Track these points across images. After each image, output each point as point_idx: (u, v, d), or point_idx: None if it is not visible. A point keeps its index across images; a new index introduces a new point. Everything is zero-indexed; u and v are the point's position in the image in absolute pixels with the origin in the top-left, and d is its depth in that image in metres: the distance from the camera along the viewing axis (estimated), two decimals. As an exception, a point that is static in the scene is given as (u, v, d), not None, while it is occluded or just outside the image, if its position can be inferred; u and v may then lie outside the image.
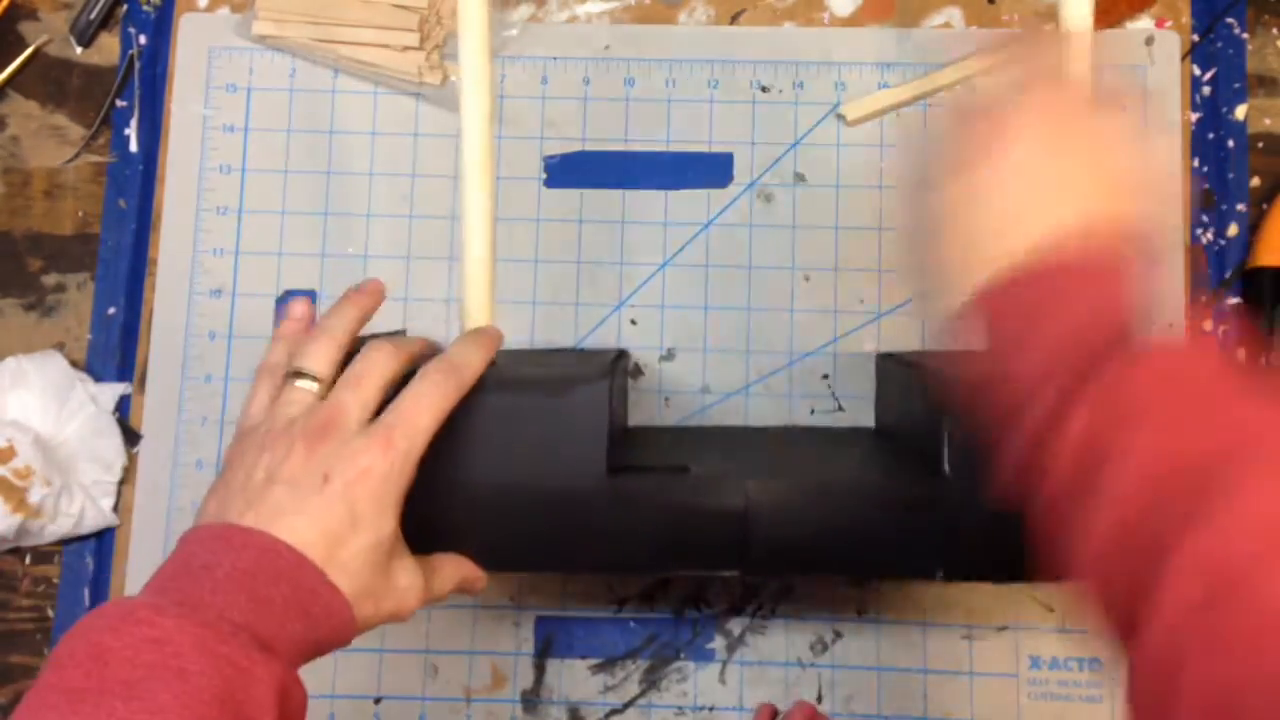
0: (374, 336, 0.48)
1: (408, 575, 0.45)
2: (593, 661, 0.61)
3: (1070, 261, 0.39)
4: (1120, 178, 0.41)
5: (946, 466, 0.47)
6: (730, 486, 0.47)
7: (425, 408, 0.44)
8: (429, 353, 0.49)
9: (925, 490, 0.47)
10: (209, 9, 0.68)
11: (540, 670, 0.61)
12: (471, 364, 0.47)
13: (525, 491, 0.47)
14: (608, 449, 0.47)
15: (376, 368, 0.45)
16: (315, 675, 0.61)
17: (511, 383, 0.48)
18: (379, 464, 0.43)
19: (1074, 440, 0.36)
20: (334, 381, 0.46)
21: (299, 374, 0.46)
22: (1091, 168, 0.40)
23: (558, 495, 0.47)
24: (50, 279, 0.66)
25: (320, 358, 0.46)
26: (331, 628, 0.42)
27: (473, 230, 0.51)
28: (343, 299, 0.49)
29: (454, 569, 0.48)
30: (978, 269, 0.40)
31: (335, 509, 0.42)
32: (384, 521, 0.43)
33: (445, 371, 0.46)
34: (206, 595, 0.39)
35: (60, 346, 0.65)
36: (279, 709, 0.39)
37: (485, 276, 0.51)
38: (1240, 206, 0.64)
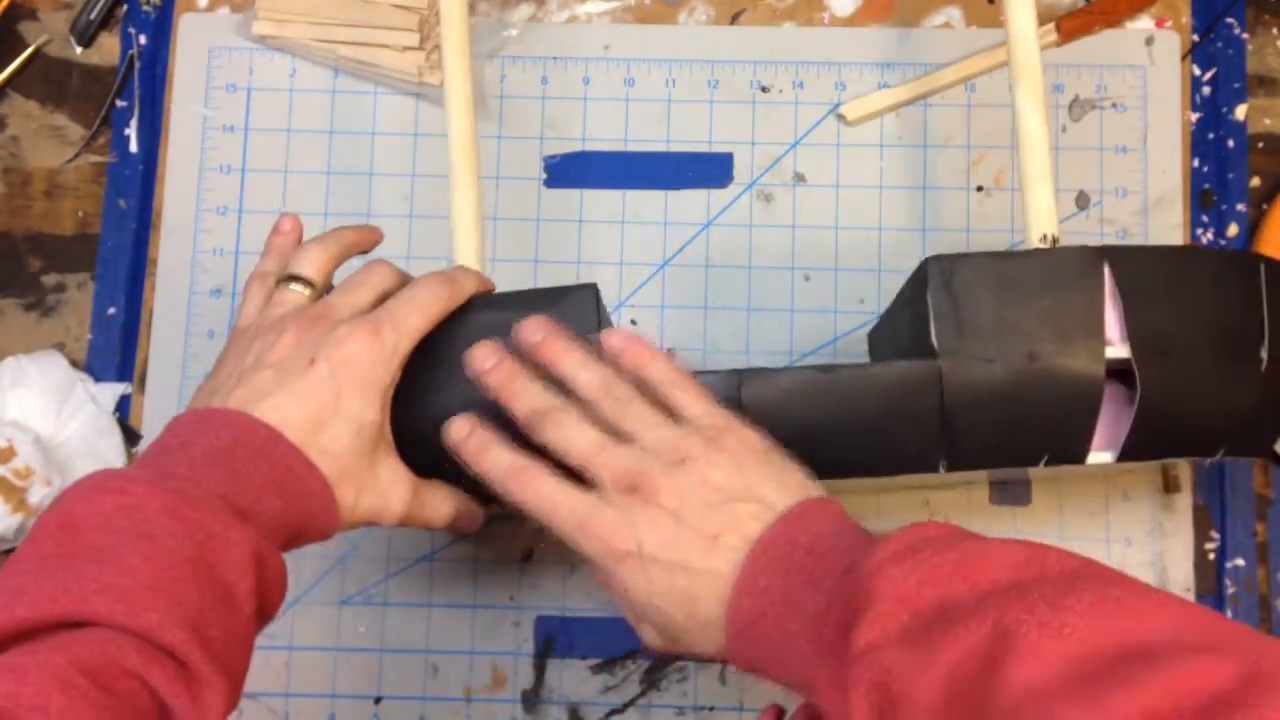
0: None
1: (392, 474, 0.46)
2: (593, 661, 0.61)
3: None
4: None
5: (934, 340, 0.46)
6: (725, 381, 0.47)
7: (416, 308, 0.45)
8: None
9: (920, 366, 0.46)
10: (209, 9, 0.68)
11: (540, 670, 0.61)
12: (467, 281, 0.48)
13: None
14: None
15: (373, 278, 0.46)
16: (315, 675, 0.61)
17: (501, 301, 0.48)
18: (364, 351, 0.43)
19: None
20: (325, 291, 0.47)
21: (291, 278, 0.47)
22: None
23: None
24: (50, 279, 0.66)
25: (312, 264, 0.47)
26: (310, 506, 0.42)
27: (463, 228, 0.52)
28: (341, 226, 0.51)
29: (447, 496, 0.48)
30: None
31: (319, 391, 0.42)
32: (367, 409, 0.43)
33: (440, 280, 0.47)
34: (183, 469, 0.40)
35: (60, 346, 0.65)
36: (255, 575, 0.39)
37: (476, 230, 0.52)
38: (1240, 206, 0.64)
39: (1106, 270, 0.46)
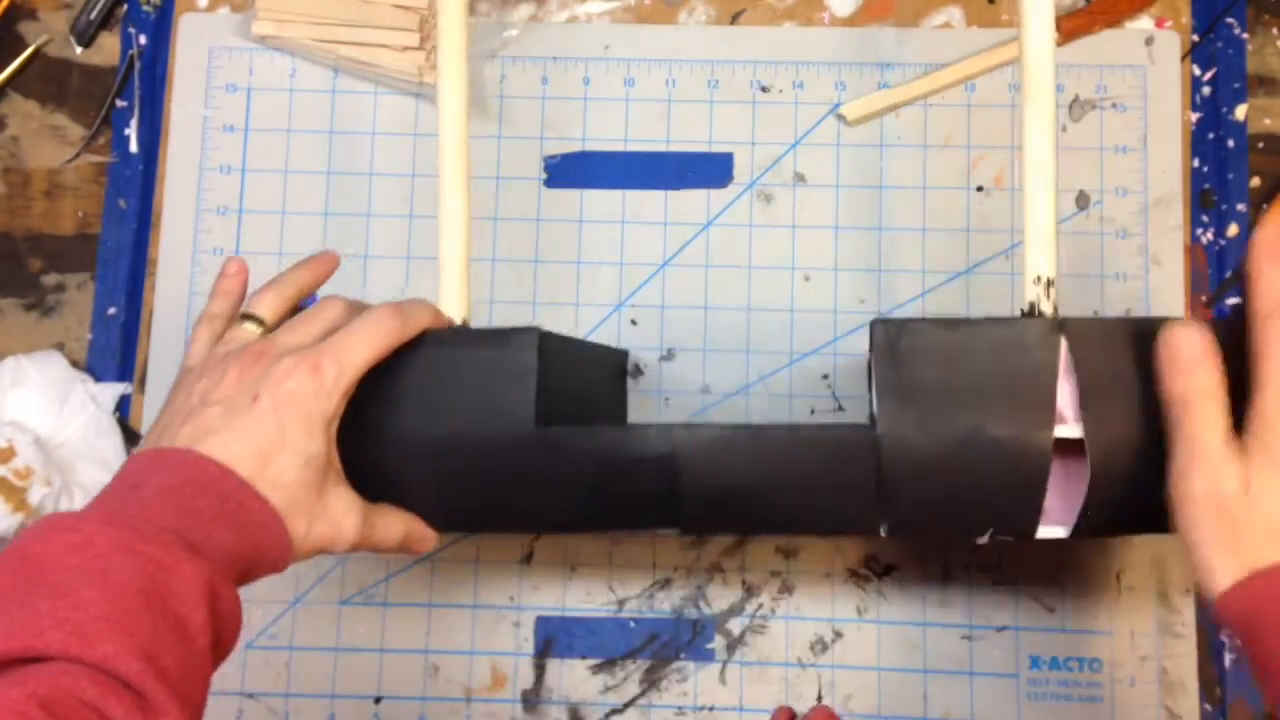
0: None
1: (343, 503, 0.46)
2: (593, 661, 0.61)
3: None
4: None
5: (874, 409, 0.45)
6: (657, 434, 0.46)
7: (360, 341, 0.45)
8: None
9: (856, 434, 0.45)
10: (209, 9, 0.68)
11: (540, 670, 0.61)
12: (417, 316, 0.48)
13: (460, 443, 0.47)
14: (537, 400, 0.46)
15: (323, 313, 0.47)
16: (315, 675, 0.61)
17: (448, 338, 0.48)
18: (306, 385, 0.44)
19: None
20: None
21: (245, 317, 0.48)
22: None
23: (489, 446, 0.47)
24: (50, 279, 0.66)
25: (265, 304, 0.48)
26: (262, 539, 0.42)
27: (449, 228, 0.51)
28: (295, 264, 0.51)
29: (398, 519, 0.49)
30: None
31: (264, 426, 0.43)
32: (313, 442, 0.44)
33: (388, 313, 0.46)
34: (134, 508, 0.40)
35: (60, 346, 0.65)
36: (208, 607, 0.39)
37: (461, 270, 0.51)
38: (1240, 206, 0.64)
39: (1063, 344, 0.45)
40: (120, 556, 0.38)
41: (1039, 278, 0.47)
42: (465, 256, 0.51)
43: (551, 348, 0.48)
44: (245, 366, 0.45)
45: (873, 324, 0.46)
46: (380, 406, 0.47)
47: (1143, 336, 0.44)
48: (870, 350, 0.46)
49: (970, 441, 0.44)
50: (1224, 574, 0.41)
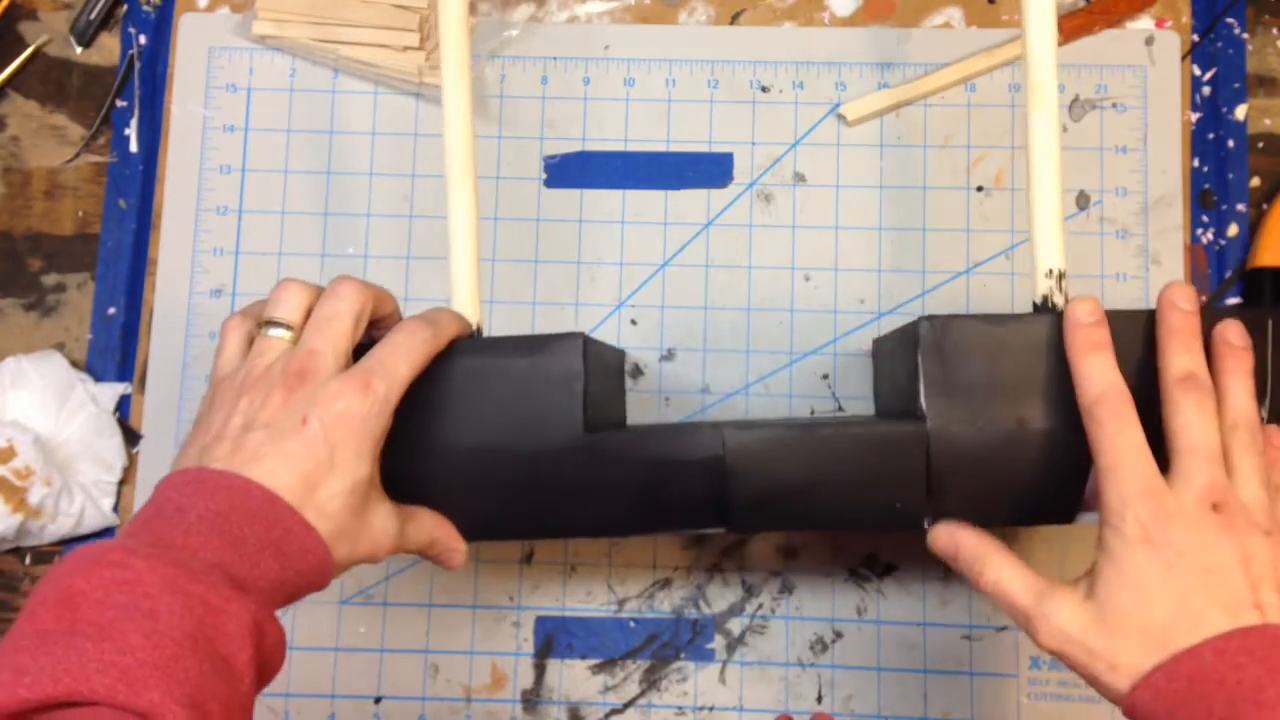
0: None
1: (383, 520, 0.46)
2: (593, 661, 0.61)
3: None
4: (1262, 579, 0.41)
5: (923, 402, 0.46)
6: (707, 435, 0.47)
7: (403, 355, 0.45)
8: (389, 299, 0.49)
9: (906, 429, 0.47)
10: (209, 9, 0.68)
11: (540, 670, 0.61)
12: (447, 325, 0.48)
13: (502, 453, 0.47)
14: (584, 406, 0.47)
15: (345, 304, 0.46)
16: (315, 675, 0.61)
17: (487, 345, 0.49)
18: (357, 406, 0.43)
19: None
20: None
21: (271, 323, 0.46)
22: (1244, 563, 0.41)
23: (534, 455, 0.47)
24: (50, 279, 0.66)
25: (290, 305, 0.47)
26: (307, 566, 0.42)
27: (459, 232, 0.51)
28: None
29: (431, 521, 0.48)
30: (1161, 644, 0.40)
31: (313, 451, 0.42)
32: (361, 465, 0.43)
33: (422, 323, 0.46)
34: (179, 537, 0.40)
35: (60, 346, 0.65)
36: (254, 645, 0.39)
37: (470, 274, 0.51)
38: (1240, 206, 0.64)
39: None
40: (169, 597, 0.37)
41: (1051, 271, 0.48)
42: (475, 261, 0.51)
43: (591, 352, 0.49)
44: (292, 386, 0.44)
45: (920, 321, 0.47)
46: (417, 417, 0.47)
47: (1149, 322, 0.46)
48: (919, 348, 0.47)
49: (1015, 435, 0.46)
50: (1119, 678, 0.41)
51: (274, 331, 0.46)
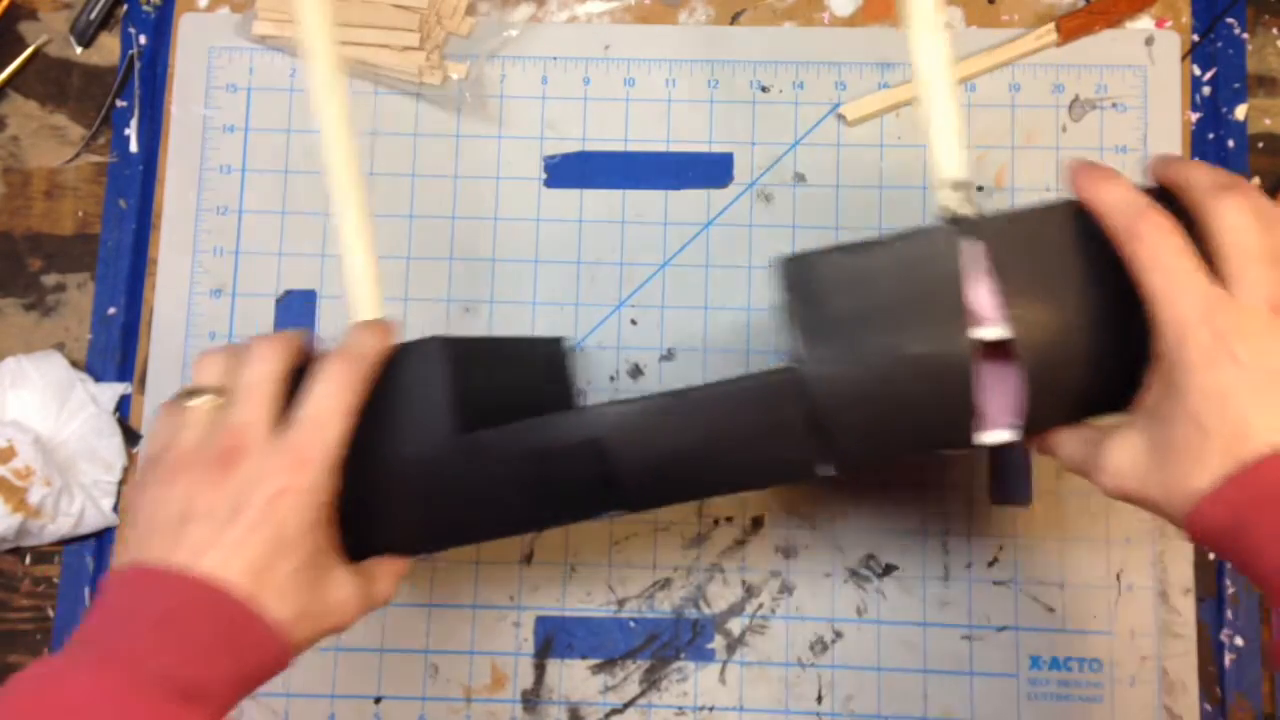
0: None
1: (343, 588, 0.44)
2: (593, 661, 0.61)
3: None
4: None
5: (796, 345, 0.44)
6: (583, 418, 0.45)
7: (334, 411, 0.42)
8: (309, 343, 0.46)
9: (777, 377, 0.44)
10: (209, 9, 0.68)
11: (540, 670, 0.61)
12: (371, 356, 0.44)
13: (385, 467, 0.45)
14: (453, 409, 0.45)
15: (266, 367, 0.43)
16: (315, 675, 0.61)
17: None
18: (297, 480, 0.41)
19: None
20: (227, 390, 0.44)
21: (190, 393, 0.44)
22: None
23: (418, 465, 0.45)
24: (50, 279, 0.66)
25: (210, 371, 0.44)
26: (262, 658, 0.41)
27: (350, 236, 0.48)
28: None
29: (390, 570, 0.47)
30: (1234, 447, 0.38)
31: (258, 536, 0.40)
32: (311, 539, 0.42)
33: (348, 366, 0.43)
34: (128, 644, 0.38)
35: (60, 346, 0.65)
36: None
37: (370, 274, 0.49)
38: (1240, 206, 0.64)
39: (973, 245, 0.43)
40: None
41: (953, 182, 0.45)
42: (373, 261, 0.49)
43: (459, 352, 0.47)
44: (225, 467, 0.41)
45: (781, 261, 0.44)
46: (363, 451, 0.45)
47: (1055, 220, 0.44)
48: (783, 289, 0.44)
49: (892, 363, 0.43)
50: (1183, 499, 0.39)
51: (197, 400, 0.43)
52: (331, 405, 0.42)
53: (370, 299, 0.48)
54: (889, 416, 0.44)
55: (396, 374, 0.46)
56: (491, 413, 0.46)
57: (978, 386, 0.43)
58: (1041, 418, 0.45)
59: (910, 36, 0.46)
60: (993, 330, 0.43)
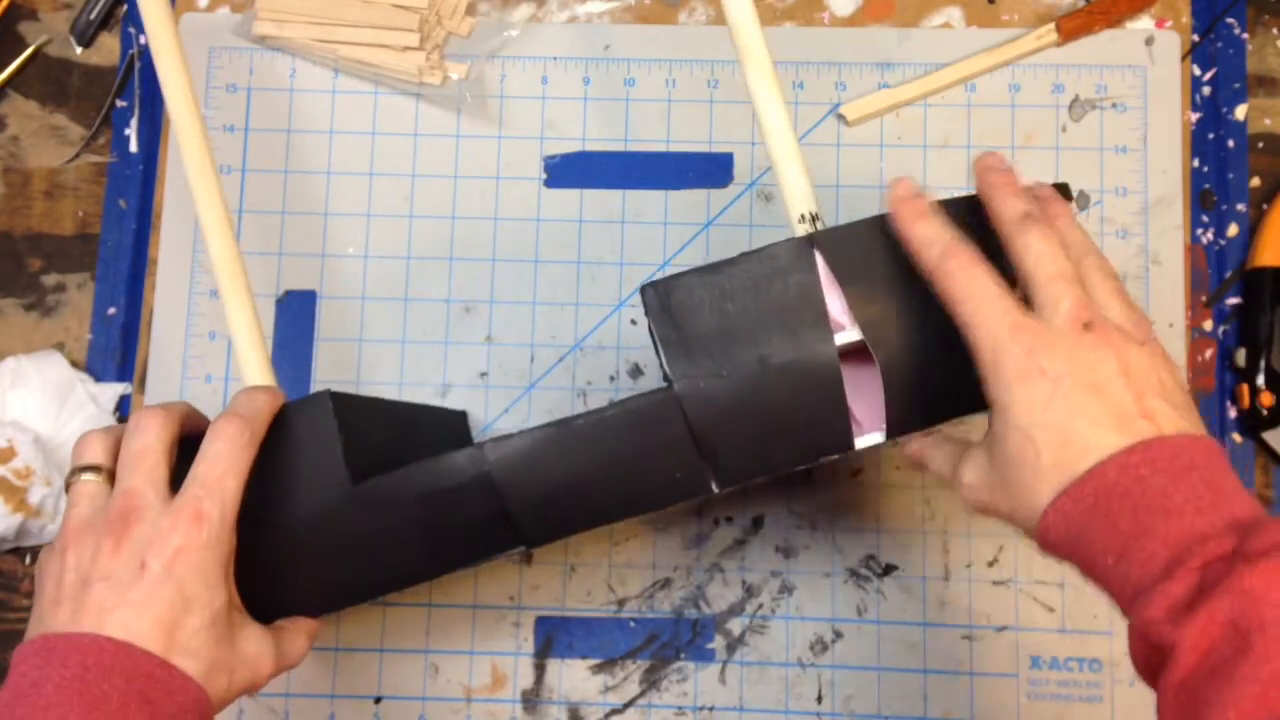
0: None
1: (255, 642, 0.44)
2: (593, 661, 0.61)
3: (1169, 452, 0.39)
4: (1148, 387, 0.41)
5: (666, 368, 0.45)
6: (468, 456, 0.45)
7: (226, 468, 0.43)
8: (195, 414, 0.47)
9: (655, 398, 0.45)
10: (209, 9, 0.68)
11: (540, 670, 0.61)
12: (261, 414, 0.45)
13: (282, 528, 0.45)
14: (346, 459, 0.45)
15: (152, 436, 0.44)
16: (315, 675, 0.61)
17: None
18: (194, 537, 0.42)
19: (1213, 626, 0.35)
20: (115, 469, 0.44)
21: (79, 470, 0.44)
22: (1123, 375, 0.40)
23: (314, 520, 0.45)
24: (50, 279, 0.66)
25: (94, 449, 0.45)
26: (179, 706, 0.41)
27: (234, 310, 0.50)
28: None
29: (301, 628, 0.47)
30: (1056, 474, 0.40)
31: (161, 593, 0.41)
32: (215, 594, 0.42)
33: (237, 425, 0.44)
34: (38, 715, 0.38)
35: (60, 346, 0.65)
36: None
37: (255, 342, 0.50)
38: (1240, 206, 0.64)
39: (818, 257, 0.45)
40: None
41: (804, 216, 0.48)
42: (257, 329, 0.50)
43: (350, 405, 0.47)
44: (119, 532, 0.42)
45: (642, 289, 0.46)
46: (264, 508, 0.45)
47: (889, 227, 0.46)
48: (647, 315, 0.46)
49: (761, 374, 0.45)
50: (1028, 514, 0.41)
51: (84, 477, 0.44)
52: (224, 463, 0.43)
53: (258, 366, 0.50)
54: (765, 426, 0.45)
55: (288, 429, 0.46)
56: (385, 468, 0.46)
57: (846, 390, 0.45)
58: (904, 418, 0.46)
59: (754, 100, 0.50)
60: (846, 335, 0.45)
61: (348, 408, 0.47)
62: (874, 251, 0.46)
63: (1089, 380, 0.40)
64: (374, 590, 0.48)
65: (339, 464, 0.45)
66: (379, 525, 0.46)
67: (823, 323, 0.45)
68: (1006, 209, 0.44)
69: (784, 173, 0.49)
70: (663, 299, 0.45)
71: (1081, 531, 0.39)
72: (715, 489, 0.46)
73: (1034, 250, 0.42)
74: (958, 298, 0.42)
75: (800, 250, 0.46)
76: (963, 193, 0.47)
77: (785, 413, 0.45)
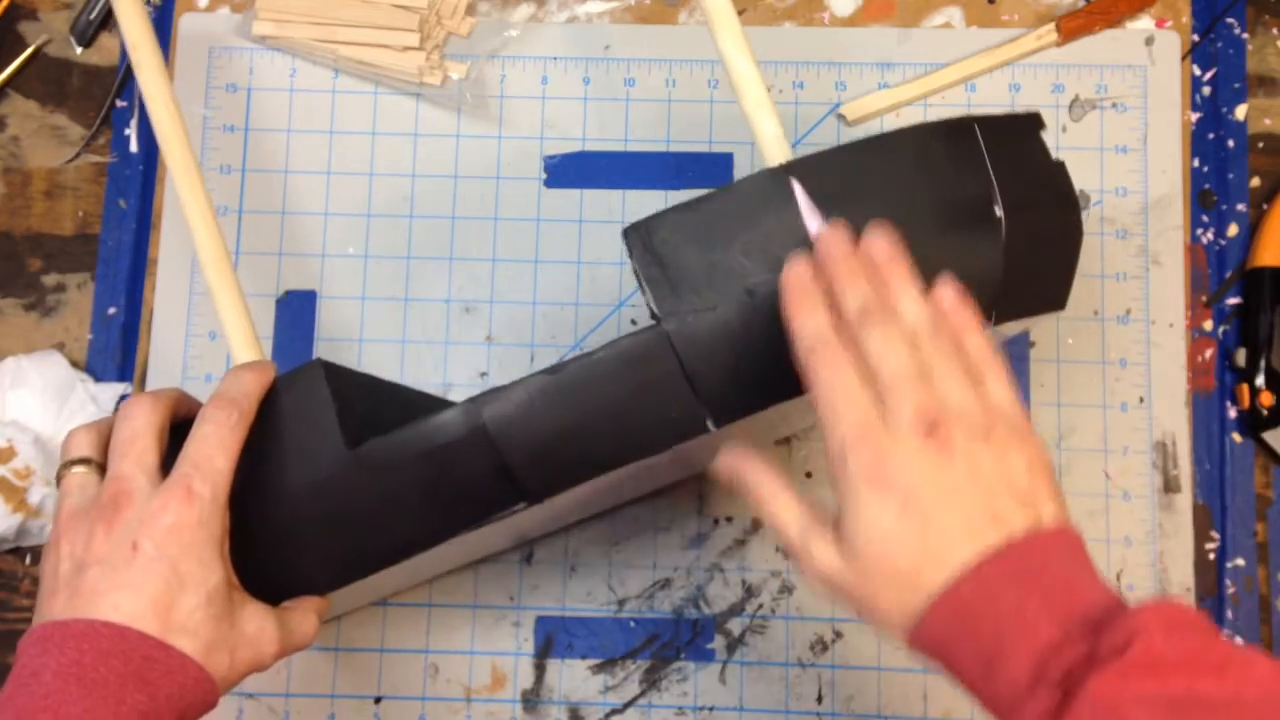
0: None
1: (256, 621, 0.44)
2: (593, 661, 0.61)
3: (1019, 562, 0.39)
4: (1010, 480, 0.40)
5: (653, 306, 0.45)
6: (463, 411, 0.45)
7: (215, 447, 0.43)
8: (187, 399, 0.47)
9: (645, 336, 0.45)
10: (209, 9, 0.68)
11: (540, 670, 0.61)
12: (249, 393, 0.45)
13: (280, 500, 0.45)
14: (342, 425, 0.45)
15: (140, 422, 0.44)
16: (315, 675, 0.61)
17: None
18: (185, 516, 0.42)
19: None
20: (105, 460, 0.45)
21: (68, 464, 0.45)
22: (973, 476, 0.40)
23: (307, 490, 0.45)
24: (50, 279, 0.66)
25: (82, 443, 0.45)
26: (179, 686, 0.41)
27: (219, 290, 0.51)
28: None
29: (307, 606, 0.47)
30: (913, 594, 0.40)
31: (154, 573, 0.41)
32: (210, 572, 0.42)
33: (225, 407, 0.44)
34: (38, 703, 0.39)
35: (60, 346, 0.65)
36: None
37: (243, 316, 0.51)
38: (1240, 206, 0.64)
39: (796, 185, 0.45)
40: None
41: (775, 136, 0.49)
42: (242, 303, 0.50)
43: (343, 372, 0.47)
44: (109, 518, 0.42)
45: (624, 231, 0.46)
46: (258, 491, 0.45)
47: (881, 149, 0.46)
48: (631, 257, 0.46)
49: (748, 305, 0.45)
50: (890, 623, 0.41)
51: (74, 470, 0.45)
52: (213, 442, 0.43)
53: (245, 343, 0.50)
54: (756, 356, 0.45)
55: (281, 402, 0.46)
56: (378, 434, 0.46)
57: None
58: None
59: (716, 38, 0.50)
60: None
61: (341, 377, 0.47)
62: (852, 176, 0.46)
63: (935, 493, 0.39)
64: (378, 560, 0.48)
65: (334, 430, 0.45)
66: (378, 490, 0.46)
67: (805, 248, 0.45)
68: (846, 302, 0.42)
69: (758, 125, 0.50)
70: (645, 238, 0.45)
71: (946, 646, 0.39)
72: (712, 427, 0.46)
73: (874, 352, 0.41)
74: (817, 395, 0.42)
75: (777, 179, 0.46)
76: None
77: (775, 342, 0.44)
